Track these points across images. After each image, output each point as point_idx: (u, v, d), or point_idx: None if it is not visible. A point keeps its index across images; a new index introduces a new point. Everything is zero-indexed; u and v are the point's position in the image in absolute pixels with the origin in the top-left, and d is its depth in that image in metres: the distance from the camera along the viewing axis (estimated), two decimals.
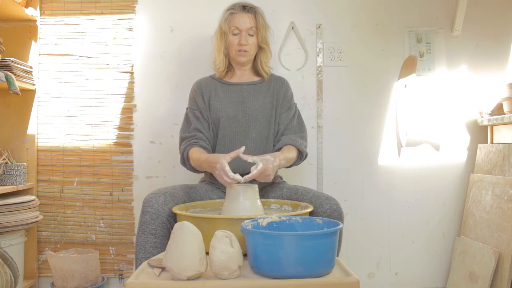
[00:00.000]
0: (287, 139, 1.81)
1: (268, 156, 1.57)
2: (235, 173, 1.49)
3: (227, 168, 1.47)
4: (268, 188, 1.84)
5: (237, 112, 1.84)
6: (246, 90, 1.89)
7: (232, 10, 1.85)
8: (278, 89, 1.91)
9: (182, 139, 1.84)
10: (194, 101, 1.89)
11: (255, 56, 1.92)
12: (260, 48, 1.91)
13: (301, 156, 1.83)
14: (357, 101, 2.31)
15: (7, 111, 2.17)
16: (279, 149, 1.80)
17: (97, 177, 2.24)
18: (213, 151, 1.84)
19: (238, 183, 1.49)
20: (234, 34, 1.84)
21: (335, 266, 1.18)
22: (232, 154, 1.53)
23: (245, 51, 1.84)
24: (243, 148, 1.54)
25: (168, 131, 2.25)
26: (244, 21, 1.83)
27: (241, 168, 1.71)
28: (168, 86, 2.27)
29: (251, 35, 1.84)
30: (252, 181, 1.77)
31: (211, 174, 1.84)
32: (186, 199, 1.68)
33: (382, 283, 2.31)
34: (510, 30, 2.35)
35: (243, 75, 1.93)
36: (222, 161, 1.49)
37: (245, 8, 1.85)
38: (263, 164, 1.50)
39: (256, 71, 1.95)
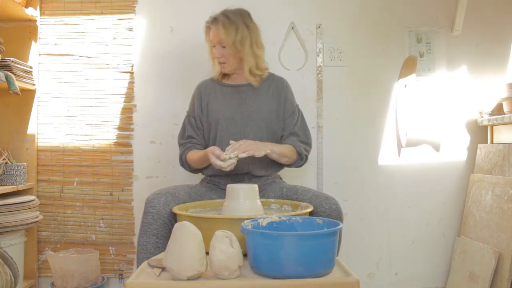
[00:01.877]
0: (288, 140, 1.85)
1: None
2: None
3: (217, 150, 1.62)
4: (268, 188, 1.84)
5: (235, 113, 1.84)
6: (244, 91, 1.89)
7: (207, 23, 1.84)
8: (278, 91, 1.90)
9: (179, 145, 1.92)
10: (193, 106, 1.93)
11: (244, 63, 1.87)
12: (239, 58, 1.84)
13: (301, 157, 1.84)
14: (357, 101, 2.31)
15: (7, 111, 2.17)
16: None
17: (97, 177, 2.24)
18: None
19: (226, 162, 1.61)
20: (213, 46, 1.84)
21: (335, 266, 1.18)
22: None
23: (223, 62, 1.84)
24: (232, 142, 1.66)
25: (168, 131, 2.25)
26: (214, 34, 1.81)
27: (241, 168, 1.76)
28: (168, 86, 2.27)
29: (224, 47, 1.81)
30: (252, 181, 1.79)
31: (211, 175, 1.86)
32: (187, 199, 1.68)
33: (382, 283, 2.31)
34: (510, 30, 2.35)
35: (240, 77, 1.92)
36: (213, 147, 1.66)
37: (214, 20, 1.82)
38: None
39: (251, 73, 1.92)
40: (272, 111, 1.87)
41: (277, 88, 1.91)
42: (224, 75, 1.94)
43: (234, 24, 1.79)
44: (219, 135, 1.84)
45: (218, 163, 1.60)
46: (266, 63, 1.93)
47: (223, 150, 1.79)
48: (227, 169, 1.61)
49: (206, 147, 1.88)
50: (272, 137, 1.87)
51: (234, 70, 1.89)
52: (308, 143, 1.89)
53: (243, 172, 1.81)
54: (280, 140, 1.89)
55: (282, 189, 1.80)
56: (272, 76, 1.95)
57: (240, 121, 1.84)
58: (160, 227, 1.54)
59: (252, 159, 1.73)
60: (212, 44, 1.84)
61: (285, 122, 1.89)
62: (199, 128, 1.89)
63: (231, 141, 1.66)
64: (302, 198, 1.68)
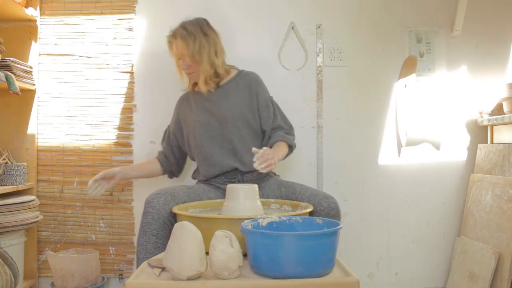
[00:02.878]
0: (277, 136, 1.86)
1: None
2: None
3: (98, 176, 1.86)
4: (266, 185, 1.84)
5: (209, 118, 1.87)
6: (214, 94, 1.89)
7: (168, 37, 1.88)
8: (248, 86, 1.90)
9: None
10: (173, 122, 2.01)
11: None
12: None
13: (291, 149, 1.89)
14: (357, 101, 2.31)
15: (7, 111, 2.17)
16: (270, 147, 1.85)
17: None
18: (197, 158, 1.94)
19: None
20: (179, 59, 1.88)
21: (335, 266, 1.18)
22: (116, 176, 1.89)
23: (191, 73, 1.87)
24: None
25: None
26: (175, 48, 1.85)
27: (228, 165, 1.83)
28: (168, 86, 2.26)
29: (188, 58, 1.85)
30: (245, 176, 1.81)
31: (205, 175, 1.89)
32: (186, 199, 1.69)
33: (382, 283, 2.31)
34: (510, 30, 2.35)
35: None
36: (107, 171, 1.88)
37: (173, 34, 1.86)
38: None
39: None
40: (246, 107, 1.87)
41: (245, 83, 1.91)
42: (195, 84, 1.96)
43: (192, 35, 1.82)
44: (199, 141, 1.87)
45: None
46: (226, 65, 1.92)
47: (205, 155, 1.84)
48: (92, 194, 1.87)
49: (170, 161, 2.01)
50: (251, 132, 1.88)
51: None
52: (291, 132, 1.93)
53: (232, 168, 1.82)
54: (262, 135, 1.91)
55: (280, 187, 1.81)
56: (240, 73, 1.94)
57: (216, 124, 1.86)
58: (160, 227, 1.55)
59: (238, 157, 1.82)
60: (177, 58, 1.88)
61: (261, 116, 1.90)
62: (171, 145, 2.00)
63: (253, 149, 1.64)
64: (300, 197, 1.68)
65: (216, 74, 1.86)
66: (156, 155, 2.03)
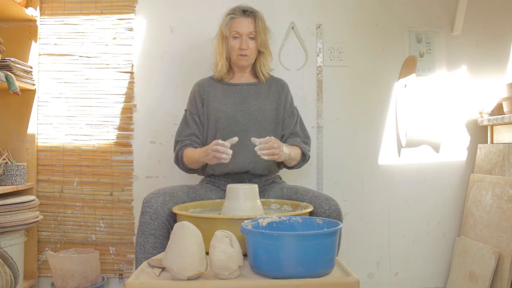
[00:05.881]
0: (293, 141, 1.85)
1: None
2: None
3: (220, 141, 1.59)
4: (268, 188, 1.84)
5: (237, 112, 1.85)
6: (245, 90, 1.89)
7: (233, 14, 1.85)
8: (279, 92, 1.92)
9: (177, 142, 1.87)
10: (194, 104, 1.90)
11: (255, 59, 1.92)
12: (259, 52, 1.90)
13: (304, 158, 1.86)
14: (357, 101, 2.31)
15: (7, 111, 2.17)
16: None
17: (97, 177, 2.24)
18: None
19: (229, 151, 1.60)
20: (235, 38, 1.84)
21: (335, 266, 1.18)
22: (227, 143, 1.60)
23: (246, 55, 1.84)
24: (236, 139, 1.61)
25: (168, 131, 2.25)
26: (245, 25, 1.83)
27: (241, 166, 1.77)
28: (168, 86, 2.27)
29: (252, 38, 1.85)
30: (253, 181, 1.79)
31: (211, 175, 1.85)
32: (185, 199, 1.68)
33: (382, 283, 2.31)
34: (510, 30, 2.35)
35: (242, 76, 1.94)
36: (215, 141, 1.60)
37: (245, 12, 1.85)
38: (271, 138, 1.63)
39: (254, 73, 1.95)
40: (273, 111, 1.88)
41: (277, 88, 1.93)
42: (228, 73, 1.93)
43: (265, 22, 1.89)
44: (220, 134, 1.83)
45: (223, 156, 1.57)
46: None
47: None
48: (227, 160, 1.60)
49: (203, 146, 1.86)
50: (274, 136, 1.87)
51: (250, 66, 1.91)
52: (308, 143, 1.91)
53: (243, 171, 1.81)
54: (281, 140, 1.89)
55: (282, 189, 1.80)
56: (272, 77, 1.97)
57: (242, 119, 1.84)
58: (158, 227, 1.54)
59: (253, 157, 1.71)
60: (235, 36, 1.84)
61: (284, 122, 1.90)
62: (203, 127, 1.89)
63: (252, 139, 1.63)
64: (302, 198, 1.68)
65: (268, 65, 1.92)
66: (186, 148, 1.81)
